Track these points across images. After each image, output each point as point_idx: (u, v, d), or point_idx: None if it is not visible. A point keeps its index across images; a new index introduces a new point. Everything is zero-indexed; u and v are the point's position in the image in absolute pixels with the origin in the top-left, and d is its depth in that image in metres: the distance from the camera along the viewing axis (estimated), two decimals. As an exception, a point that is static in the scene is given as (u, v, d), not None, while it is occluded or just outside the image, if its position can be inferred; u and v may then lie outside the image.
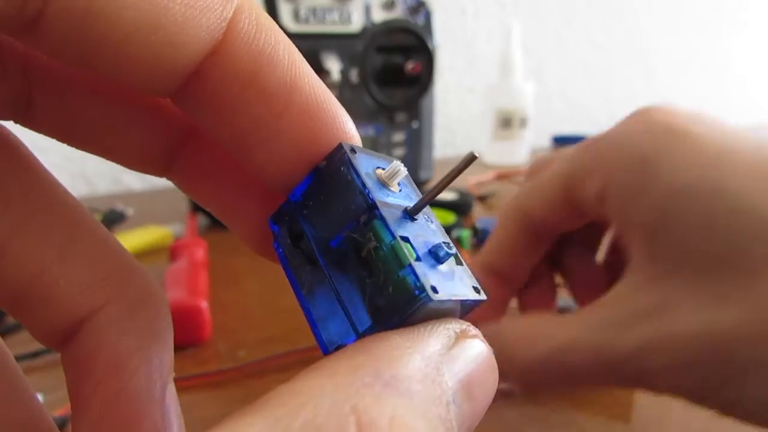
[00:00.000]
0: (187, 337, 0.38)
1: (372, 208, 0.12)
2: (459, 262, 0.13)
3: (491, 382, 0.12)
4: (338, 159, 0.13)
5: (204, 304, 0.38)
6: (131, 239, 0.54)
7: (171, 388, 0.14)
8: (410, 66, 0.62)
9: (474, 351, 0.11)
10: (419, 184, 0.70)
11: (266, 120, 0.12)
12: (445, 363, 0.11)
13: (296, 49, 0.13)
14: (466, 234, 0.52)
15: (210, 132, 0.13)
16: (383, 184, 0.13)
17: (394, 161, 0.13)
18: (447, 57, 0.99)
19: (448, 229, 0.53)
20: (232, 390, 0.33)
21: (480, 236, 0.52)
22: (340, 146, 0.13)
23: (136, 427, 0.13)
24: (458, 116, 1.04)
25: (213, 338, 0.38)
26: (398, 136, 0.66)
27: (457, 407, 0.10)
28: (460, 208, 0.62)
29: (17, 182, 0.13)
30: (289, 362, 0.35)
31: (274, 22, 0.12)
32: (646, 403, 0.31)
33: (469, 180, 0.74)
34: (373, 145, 0.65)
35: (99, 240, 0.14)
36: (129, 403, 0.13)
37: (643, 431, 0.30)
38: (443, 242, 0.12)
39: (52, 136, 0.14)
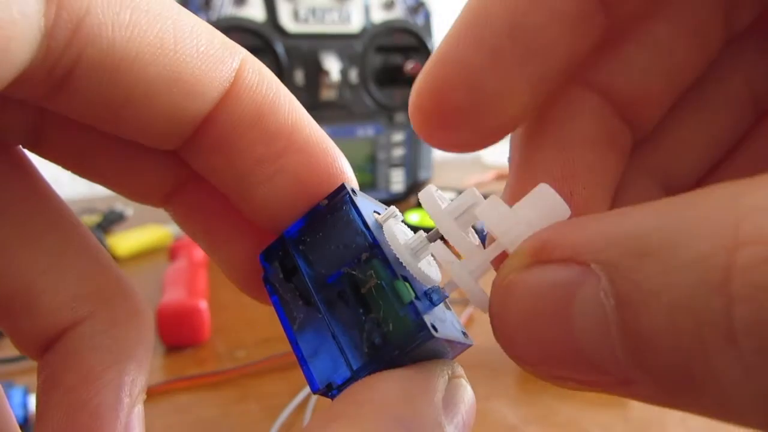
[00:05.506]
0: (186, 337, 0.38)
1: (374, 247, 0.12)
2: (448, 307, 0.13)
3: (474, 414, 0.12)
4: (340, 199, 0.13)
5: (203, 305, 0.38)
6: (131, 239, 0.54)
7: (139, 410, 0.14)
8: (410, 66, 0.62)
9: (466, 393, 0.12)
10: (419, 184, 0.70)
11: (267, 159, 0.13)
12: (446, 407, 0.11)
13: (294, 97, 0.14)
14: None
15: (211, 175, 0.14)
16: (379, 226, 0.13)
17: (391, 207, 0.14)
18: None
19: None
20: (230, 390, 0.33)
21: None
22: (342, 186, 0.13)
23: None
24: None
25: (212, 338, 0.38)
26: (398, 136, 0.66)
27: None
28: (460, 208, 0.62)
29: (14, 192, 0.13)
30: (287, 363, 0.35)
31: (274, 75, 0.14)
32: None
33: (468, 180, 0.74)
34: (373, 145, 0.65)
35: (90, 255, 0.14)
36: (91, 417, 0.13)
37: (644, 431, 0.30)
38: (436, 286, 0.12)
39: (58, 164, 0.14)
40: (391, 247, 0.12)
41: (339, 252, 0.13)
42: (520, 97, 0.12)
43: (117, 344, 0.14)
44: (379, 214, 0.14)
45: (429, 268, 0.13)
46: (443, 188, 0.14)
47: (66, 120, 0.12)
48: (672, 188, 0.14)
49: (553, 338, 0.10)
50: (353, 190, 0.13)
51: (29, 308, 0.13)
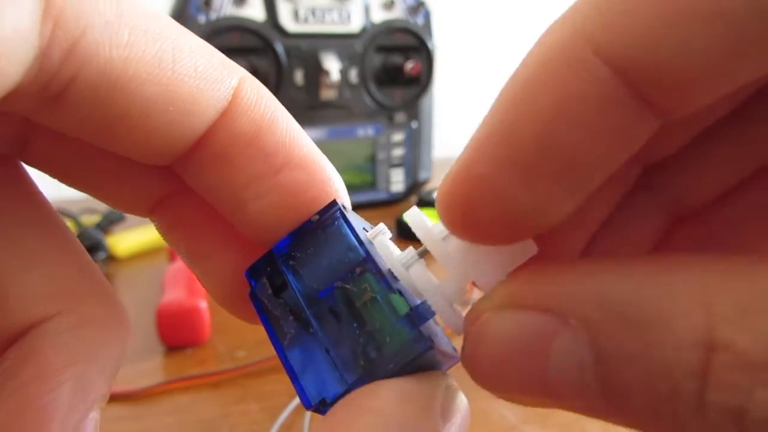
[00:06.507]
0: (187, 337, 0.38)
1: (367, 260, 0.12)
2: (437, 323, 0.13)
3: (468, 424, 0.13)
4: (331, 215, 0.13)
5: (203, 305, 0.38)
6: (131, 239, 0.54)
7: (94, 416, 0.13)
8: (410, 66, 0.62)
9: (461, 402, 0.12)
10: (419, 183, 0.70)
11: (264, 175, 0.13)
12: (444, 415, 0.12)
13: (291, 116, 0.14)
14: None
15: (204, 190, 0.14)
16: (370, 242, 0.13)
17: (379, 224, 0.14)
18: (447, 57, 0.99)
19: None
20: (230, 390, 0.33)
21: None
22: (334, 202, 0.13)
23: None
24: (458, 116, 1.04)
25: (212, 338, 0.38)
26: (398, 136, 0.66)
27: None
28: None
29: None
30: (288, 362, 0.35)
31: (270, 93, 0.14)
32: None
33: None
34: (373, 145, 0.65)
35: (66, 254, 0.14)
36: (39, 414, 0.13)
37: None
38: (424, 301, 0.13)
39: (44, 172, 0.14)
40: (384, 262, 0.13)
41: (331, 267, 0.13)
42: (560, 208, 0.11)
43: (81, 344, 0.14)
44: (367, 231, 0.14)
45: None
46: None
47: (54, 132, 0.12)
48: (679, 212, 0.14)
49: (526, 378, 0.11)
50: (344, 206, 0.14)
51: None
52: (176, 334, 0.37)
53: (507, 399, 0.12)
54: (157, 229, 0.16)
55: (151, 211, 0.15)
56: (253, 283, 0.14)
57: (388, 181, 0.67)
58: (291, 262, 0.13)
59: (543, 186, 0.10)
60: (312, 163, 0.14)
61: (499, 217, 0.11)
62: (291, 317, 0.13)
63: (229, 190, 0.13)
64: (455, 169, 0.11)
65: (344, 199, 0.14)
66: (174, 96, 0.12)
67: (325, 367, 0.12)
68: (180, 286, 0.40)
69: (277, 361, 0.39)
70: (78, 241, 0.15)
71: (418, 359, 0.12)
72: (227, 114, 0.13)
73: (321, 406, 0.12)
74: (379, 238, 0.13)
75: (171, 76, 0.12)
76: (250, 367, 0.35)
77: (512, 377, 0.11)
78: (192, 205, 0.15)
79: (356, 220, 0.14)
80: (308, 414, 0.31)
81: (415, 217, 0.13)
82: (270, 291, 0.13)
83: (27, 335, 0.13)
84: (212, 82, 0.12)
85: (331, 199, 0.13)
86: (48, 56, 0.10)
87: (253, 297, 0.14)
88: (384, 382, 0.11)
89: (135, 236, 0.54)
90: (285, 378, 0.13)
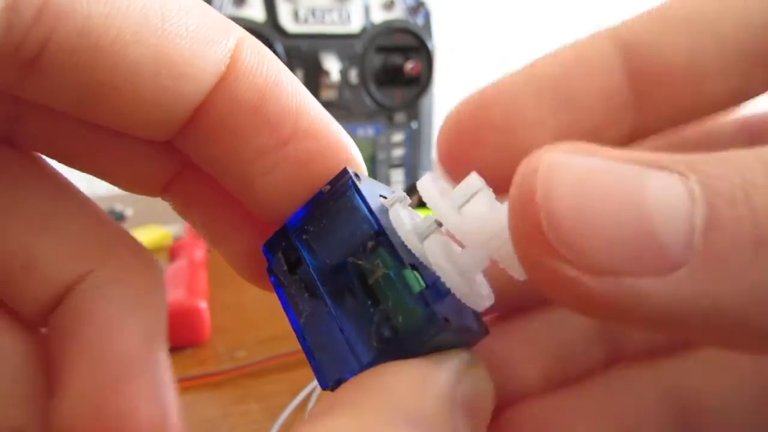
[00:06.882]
0: (186, 337, 0.38)
1: (379, 234, 0.12)
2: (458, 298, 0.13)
3: (490, 409, 0.12)
4: (342, 184, 0.12)
5: (203, 305, 0.38)
6: (130, 239, 0.53)
7: (163, 356, 0.13)
8: (410, 66, 0.62)
9: (482, 385, 0.11)
10: (419, 184, 0.70)
11: (271, 148, 0.12)
12: (456, 396, 0.11)
13: (297, 79, 0.13)
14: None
15: (209, 166, 0.13)
16: (385, 211, 0.12)
17: (397, 190, 0.13)
18: (446, 57, 0.99)
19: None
20: (230, 390, 0.33)
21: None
22: (345, 171, 0.13)
23: (124, 389, 0.12)
24: (458, 116, 1.04)
25: (212, 339, 0.38)
26: (398, 137, 0.66)
27: None
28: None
29: None
30: (287, 363, 0.35)
31: (273, 54, 0.12)
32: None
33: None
34: (373, 145, 0.65)
35: (85, 212, 0.14)
36: (116, 364, 0.12)
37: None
38: (439, 277, 0.12)
39: (42, 154, 0.13)
40: (399, 234, 0.12)
41: (344, 240, 0.12)
42: (550, 131, 0.13)
43: (129, 293, 0.13)
44: (385, 198, 0.13)
45: None
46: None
47: (45, 108, 0.11)
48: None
49: (628, 232, 0.08)
50: (356, 174, 0.13)
51: (28, 268, 0.13)
52: (176, 335, 0.37)
53: (582, 287, 0.08)
54: (173, 208, 0.15)
55: (164, 190, 0.14)
56: (269, 259, 0.13)
57: (388, 181, 0.67)
58: (304, 237, 0.12)
59: (547, 110, 0.13)
60: (322, 130, 0.12)
61: (502, 120, 0.13)
62: (306, 294, 0.12)
63: (234, 166, 0.12)
64: (467, 96, 0.13)
65: (359, 166, 0.13)
66: (164, 58, 0.10)
67: (341, 347, 0.12)
68: (180, 286, 0.40)
69: (278, 361, 0.39)
70: (92, 200, 0.14)
71: (434, 339, 0.11)
72: (226, 80, 0.12)
73: (337, 387, 0.12)
74: (395, 207, 0.12)
75: (160, 37, 0.10)
76: (250, 367, 0.35)
77: (609, 234, 0.08)
78: (205, 182, 0.14)
79: (372, 187, 0.13)
80: (308, 415, 0.31)
81: (426, 185, 0.12)
82: (285, 267, 0.13)
83: (69, 297, 0.13)
84: (207, 43, 0.11)
85: (342, 168, 0.13)
86: (16, 11, 0.09)
87: (270, 272, 0.13)
88: (396, 363, 0.11)
89: (135, 237, 0.53)
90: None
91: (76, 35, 0.10)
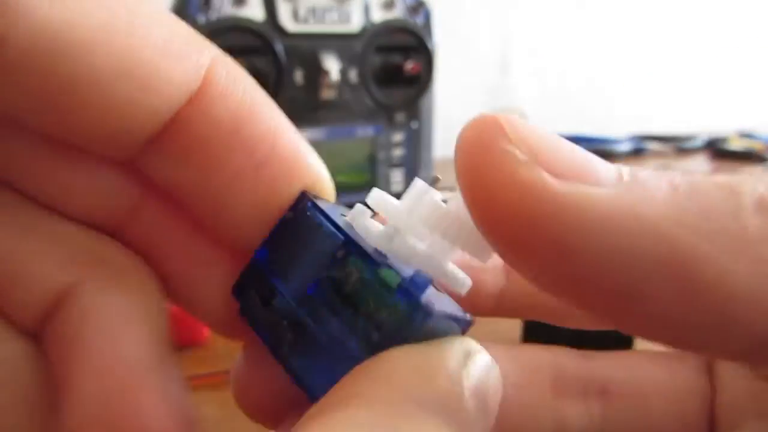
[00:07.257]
0: (186, 338, 0.37)
1: (347, 243, 0.12)
2: (438, 290, 0.13)
3: (500, 393, 0.12)
4: (303, 206, 0.13)
5: (203, 305, 0.38)
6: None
7: (170, 359, 0.13)
8: (409, 66, 0.62)
9: (485, 365, 0.11)
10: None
11: (247, 171, 0.12)
12: (463, 378, 0.11)
13: (272, 101, 0.12)
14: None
15: (181, 189, 0.12)
16: (350, 226, 0.13)
17: (356, 206, 0.13)
18: (446, 57, 0.99)
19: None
20: (230, 390, 0.33)
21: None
22: (303, 194, 0.13)
23: (134, 395, 0.12)
24: (458, 116, 1.04)
25: (211, 339, 0.38)
26: (397, 136, 0.66)
27: (476, 421, 0.10)
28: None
29: None
30: (288, 363, 0.35)
31: (247, 73, 0.12)
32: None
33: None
34: (372, 145, 0.65)
35: (68, 222, 0.13)
36: (124, 370, 0.12)
37: None
38: (417, 270, 0.12)
39: None
40: (368, 242, 0.12)
41: (314, 259, 0.12)
42: None
43: (127, 298, 0.13)
44: (345, 216, 0.13)
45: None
46: (443, 188, 0.14)
47: None
48: None
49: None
50: (314, 196, 0.13)
51: (16, 277, 0.12)
52: (176, 334, 0.37)
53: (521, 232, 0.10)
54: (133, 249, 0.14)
55: (118, 227, 0.13)
56: (241, 301, 0.13)
57: (387, 181, 0.67)
58: (274, 266, 0.13)
59: None
60: (299, 152, 0.12)
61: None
62: (285, 322, 0.12)
63: (208, 189, 0.12)
64: None
65: (330, 190, 0.13)
66: (130, 67, 0.10)
67: (329, 364, 0.12)
68: (180, 286, 0.40)
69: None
70: None
71: (422, 329, 0.11)
72: (199, 99, 0.11)
73: None
74: (358, 220, 0.13)
75: (126, 45, 0.10)
76: (249, 367, 0.35)
77: (567, 147, 0.10)
78: (167, 214, 0.13)
79: (334, 209, 0.13)
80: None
81: (376, 197, 0.13)
82: (259, 302, 0.13)
83: (65, 305, 0.12)
84: (176, 57, 0.11)
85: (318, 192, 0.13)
86: None
87: (244, 314, 0.13)
88: (396, 349, 0.11)
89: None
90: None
91: (35, 37, 0.09)
